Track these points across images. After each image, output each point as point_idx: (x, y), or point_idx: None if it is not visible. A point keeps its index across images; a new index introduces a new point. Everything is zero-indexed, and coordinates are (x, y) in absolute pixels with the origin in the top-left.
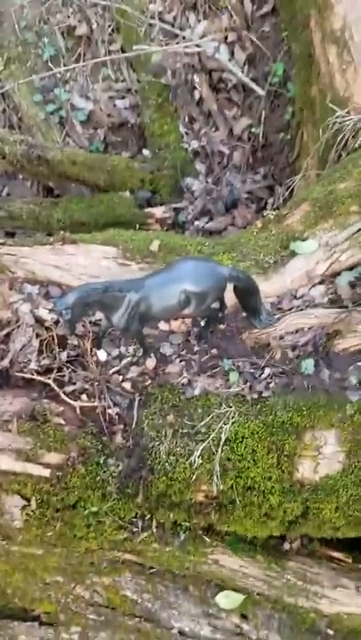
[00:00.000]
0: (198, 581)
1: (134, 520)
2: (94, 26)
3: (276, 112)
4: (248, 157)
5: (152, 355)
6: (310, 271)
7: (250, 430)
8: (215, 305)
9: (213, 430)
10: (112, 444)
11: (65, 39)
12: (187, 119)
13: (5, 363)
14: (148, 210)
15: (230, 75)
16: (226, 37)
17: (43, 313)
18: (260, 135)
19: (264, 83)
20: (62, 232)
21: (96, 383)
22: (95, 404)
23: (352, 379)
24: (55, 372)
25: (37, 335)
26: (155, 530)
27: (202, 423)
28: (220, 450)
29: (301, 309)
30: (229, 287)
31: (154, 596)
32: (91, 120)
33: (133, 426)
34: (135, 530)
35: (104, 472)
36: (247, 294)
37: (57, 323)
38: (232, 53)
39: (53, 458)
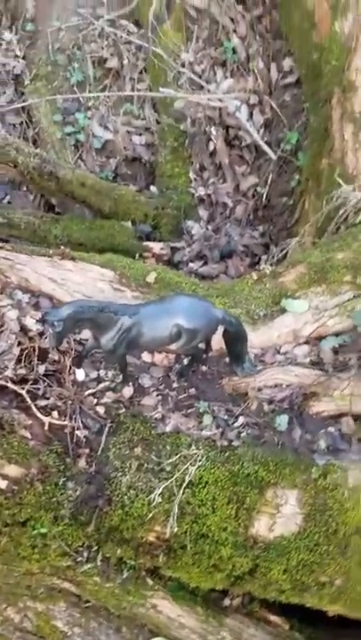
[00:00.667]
0: (132, 623)
1: (80, 549)
2: (125, 61)
3: (282, 177)
4: (249, 214)
5: (130, 383)
6: (297, 330)
7: (214, 477)
8: (202, 345)
9: (178, 471)
10: (75, 467)
11: (95, 68)
12: (198, 167)
13: None
14: (146, 243)
15: (246, 134)
16: (248, 99)
17: (29, 322)
18: (264, 195)
19: (276, 148)
20: (62, 247)
21: (69, 402)
22: (65, 422)
23: (321, 443)
24: (30, 383)
25: (19, 343)
26: (99, 563)
27: (168, 461)
28: (181, 492)
29: (283, 365)
30: (220, 330)
31: (85, 630)
32: (105, 149)
33: (99, 452)
34: (80, 559)
35: (61, 494)
36: (235, 340)
37: (41, 334)
38: (251, 115)
39: (13, 470)
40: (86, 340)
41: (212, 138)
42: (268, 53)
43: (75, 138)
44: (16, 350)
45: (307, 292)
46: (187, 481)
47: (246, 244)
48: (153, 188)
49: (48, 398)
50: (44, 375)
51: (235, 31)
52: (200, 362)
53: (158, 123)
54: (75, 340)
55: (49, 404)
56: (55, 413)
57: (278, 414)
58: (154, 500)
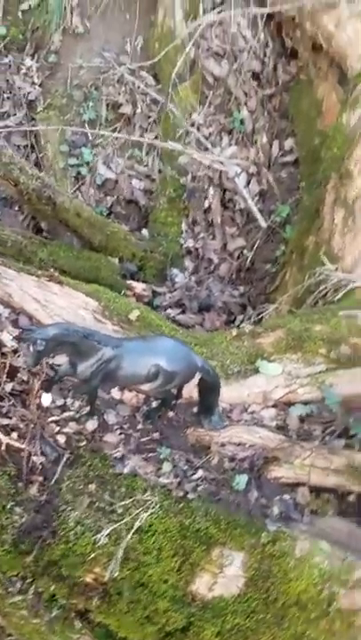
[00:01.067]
0: None
1: (15, 579)
2: (138, 110)
3: (268, 245)
4: (232, 273)
5: (95, 417)
6: (268, 392)
7: (164, 527)
8: (174, 390)
9: (130, 515)
10: (25, 492)
11: (108, 111)
12: (191, 220)
13: None
14: (130, 282)
15: (241, 199)
16: (248, 168)
17: (5, 337)
18: (249, 259)
19: (267, 217)
20: (52, 269)
21: (31, 426)
22: (23, 446)
23: (275, 508)
24: None
25: None
26: (30, 596)
27: (121, 503)
28: (129, 536)
29: (249, 425)
30: (196, 377)
31: None
32: (105, 186)
33: (53, 482)
34: (11, 589)
35: (6, 518)
36: (209, 390)
37: (15, 352)
38: (248, 183)
39: None
40: (59, 365)
41: (209, 196)
42: (273, 131)
43: (77, 170)
44: None
45: (282, 357)
46: (136, 526)
47: (225, 301)
48: (145, 232)
49: (10, 418)
50: (9, 393)
51: (246, 104)
52: (169, 407)
53: (160, 172)
54: (47, 364)
55: (10, 424)
56: (15, 435)
57: (238, 473)
58: (100, 540)
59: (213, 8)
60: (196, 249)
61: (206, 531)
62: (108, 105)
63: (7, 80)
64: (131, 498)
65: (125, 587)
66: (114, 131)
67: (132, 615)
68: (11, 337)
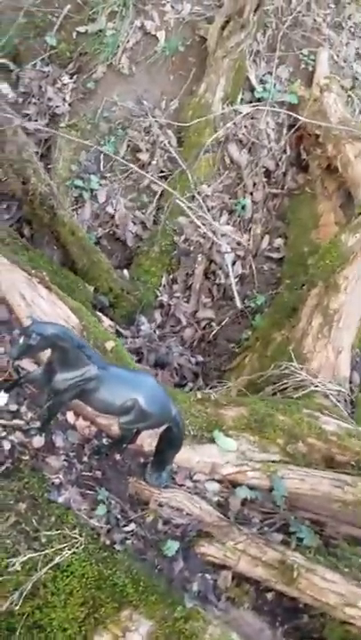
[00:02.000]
0: None
1: None
2: (154, 162)
3: (235, 326)
4: (195, 340)
5: (43, 435)
6: (217, 466)
7: (83, 571)
8: (133, 431)
9: (52, 548)
10: None
11: (126, 151)
12: (171, 277)
13: None
14: (99, 314)
15: (223, 275)
16: (236, 250)
17: None
18: (214, 332)
19: (241, 300)
20: (45, 273)
21: None
22: None
23: (195, 586)
24: None
25: None
26: None
27: (47, 532)
28: (44, 570)
29: (190, 492)
30: (163, 427)
31: None
32: (100, 217)
33: None
34: None
35: None
36: (171, 445)
37: None
38: (234, 263)
39: None
40: (24, 369)
41: (196, 262)
42: (268, 226)
43: (79, 192)
44: None
45: (239, 435)
46: (55, 562)
47: (181, 364)
48: (125, 272)
49: None
50: None
51: (252, 194)
52: (121, 447)
53: (155, 223)
54: (13, 365)
55: None
56: None
57: (170, 539)
58: (13, 564)
59: (250, 102)
60: (169, 305)
61: (123, 588)
62: (128, 146)
63: (40, 87)
64: (58, 530)
65: (20, 624)
66: (125, 172)
67: None
68: None
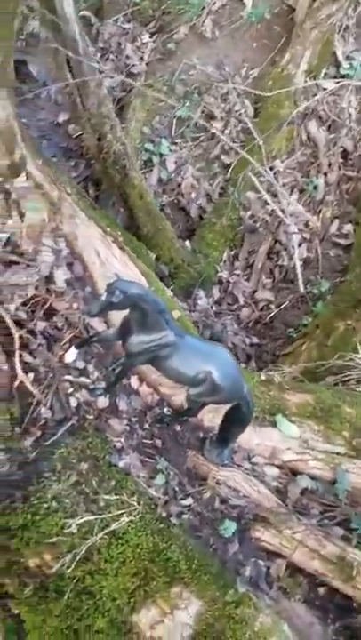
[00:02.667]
0: None
1: None
2: (227, 131)
3: (295, 311)
4: (250, 321)
5: (108, 396)
6: (278, 450)
7: (138, 541)
8: (200, 404)
9: (109, 513)
10: (19, 442)
11: (200, 117)
12: (234, 253)
13: None
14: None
15: (286, 257)
16: (303, 231)
17: (58, 275)
18: (270, 315)
19: (304, 285)
20: (119, 233)
21: (50, 374)
22: (36, 392)
23: (247, 570)
24: (26, 331)
25: (36, 288)
26: None
27: (106, 497)
28: (100, 535)
29: (248, 474)
30: (232, 403)
31: None
32: (166, 184)
33: (48, 442)
34: None
35: None
36: (238, 423)
37: (62, 294)
38: (300, 245)
39: None
40: (93, 327)
41: (260, 240)
42: (338, 210)
43: (149, 156)
44: (30, 291)
45: (303, 422)
46: (112, 528)
47: (235, 343)
48: (187, 244)
49: (34, 357)
50: (41, 332)
51: (326, 174)
52: (183, 419)
53: (220, 196)
54: (83, 322)
55: (32, 364)
56: (32, 376)
57: (228, 519)
58: (69, 526)
59: (335, 77)
60: (228, 282)
61: (177, 563)
62: (202, 112)
63: (119, 44)
64: (117, 495)
65: (70, 588)
66: (196, 139)
67: (61, 621)
68: (64, 278)
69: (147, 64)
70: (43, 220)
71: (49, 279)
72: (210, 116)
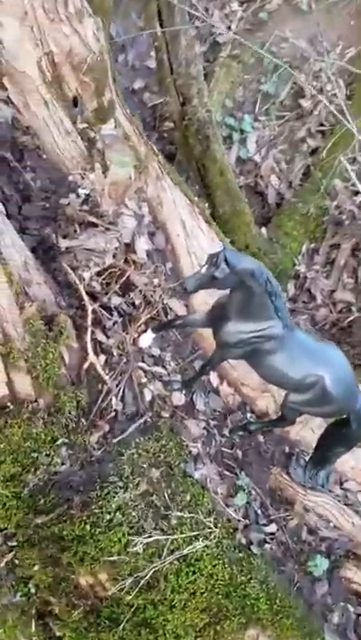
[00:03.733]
0: None
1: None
2: (316, 112)
3: None
4: (326, 324)
5: (185, 392)
6: None
7: (213, 570)
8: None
9: (181, 533)
10: (84, 436)
11: (288, 94)
12: (313, 246)
13: (64, 243)
14: None
15: None
16: None
17: (140, 246)
18: (350, 319)
19: None
20: (206, 205)
21: (124, 360)
22: (106, 378)
23: (335, 616)
24: (99, 305)
25: (114, 256)
26: (1, 564)
27: (178, 513)
28: (169, 559)
29: (340, 501)
30: (340, 417)
31: None
32: (244, 164)
33: (117, 440)
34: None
35: (46, 455)
36: (344, 442)
37: (141, 266)
38: None
39: (23, 384)
40: (172, 309)
41: (345, 235)
42: None
43: (229, 132)
44: (108, 259)
45: None
46: (183, 553)
47: None
48: (263, 230)
49: (108, 337)
50: (115, 308)
51: None
52: (270, 428)
53: (301, 184)
54: (163, 304)
55: (104, 345)
56: (103, 359)
57: (319, 554)
58: (135, 545)
59: None
60: (305, 278)
61: (256, 602)
62: (291, 89)
63: (207, 9)
64: (191, 513)
65: (126, 617)
66: (280, 118)
67: None
68: (145, 248)
69: (234, 33)
70: (128, 177)
71: (129, 248)
72: (299, 95)
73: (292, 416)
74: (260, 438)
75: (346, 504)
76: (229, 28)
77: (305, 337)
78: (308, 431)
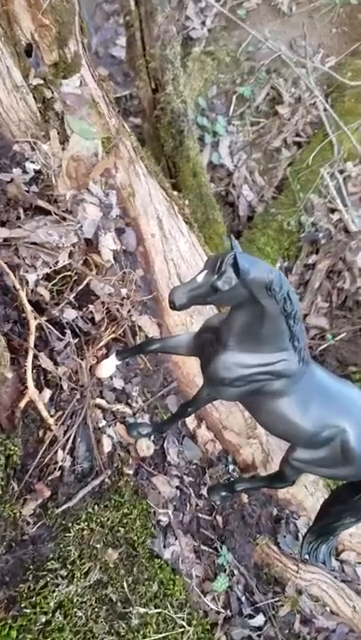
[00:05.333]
0: None
1: None
2: (293, 120)
3: (352, 345)
4: None
5: (153, 439)
6: None
7: None
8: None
9: (145, 637)
10: (14, 505)
11: (265, 99)
12: (286, 265)
13: (3, 233)
14: None
15: (349, 280)
16: None
17: (105, 244)
18: (323, 347)
19: None
20: (187, 202)
21: (76, 395)
22: (51, 422)
23: None
24: (47, 319)
25: (70, 255)
26: None
27: (140, 609)
28: None
29: (336, 577)
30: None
31: None
32: (215, 170)
33: (60, 510)
34: None
35: None
36: (357, 510)
37: (107, 271)
38: None
39: None
40: (142, 329)
41: (321, 255)
42: None
43: (201, 133)
44: (63, 258)
45: None
46: None
47: None
48: (235, 243)
49: (57, 364)
50: (68, 325)
51: None
52: (258, 488)
53: (275, 197)
54: (130, 323)
55: (51, 374)
56: (48, 394)
57: None
58: None
59: None
60: None
61: None
62: (268, 95)
63: (180, 1)
64: (158, 608)
65: None
66: (256, 124)
67: None
68: (112, 248)
69: (209, 30)
70: (94, 153)
71: (90, 246)
72: (276, 101)
73: (294, 476)
74: (244, 498)
75: (343, 580)
76: (204, 23)
77: (324, 374)
78: (300, 488)
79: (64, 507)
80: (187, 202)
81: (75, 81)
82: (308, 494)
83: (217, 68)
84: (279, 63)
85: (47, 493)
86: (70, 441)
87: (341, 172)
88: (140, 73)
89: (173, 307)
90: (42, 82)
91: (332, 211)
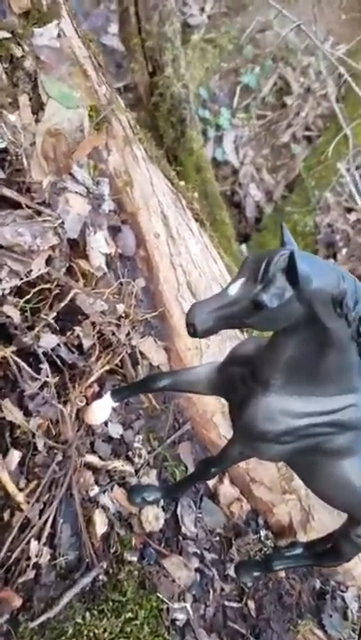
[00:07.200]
0: None
1: None
2: (303, 113)
3: None
4: None
5: (166, 507)
6: None
7: None
8: None
9: None
10: None
11: (271, 90)
12: None
13: None
14: None
15: None
16: None
17: (95, 245)
18: None
19: None
20: (196, 195)
21: (58, 457)
22: (20, 498)
23: None
24: (17, 349)
25: (48, 261)
26: None
27: None
28: None
29: None
30: None
31: None
32: (220, 167)
33: (35, 624)
34: None
35: None
36: None
37: (98, 281)
38: None
39: None
40: (145, 356)
41: (337, 256)
42: None
43: (203, 126)
44: (38, 265)
45: None
46: None
47: None
48: (244, 248)
49: (30, 414)
50: (46, 356)
51: None
52: (304, 565)
53: (285, 197)
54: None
55: (21, 430)
56: (17, 456)
57: None
58: None
59: None
60: None
61: None
62: (275, 84)
63: None
64: None
65: None
66: (261, 117)
67: None
68: (104, 251)
69: (208, 16)
70: (78, 126)
71: (75, 249)
72: (284, 91)
73: (354, 554)
74: (281, 572)
75: None
76: (203, 9)
77: None
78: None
79: (42, 618)
80: (195, 194)
81: (51, 30)
82: (358, 559)
83: (219, 56)
84: (286, 51)
85: (17, 602)
86: (49, 524)
87: (358, 167)
88: (134, 54)
89: (194, 332)
90: (9, 35)
91: (349, 210)
